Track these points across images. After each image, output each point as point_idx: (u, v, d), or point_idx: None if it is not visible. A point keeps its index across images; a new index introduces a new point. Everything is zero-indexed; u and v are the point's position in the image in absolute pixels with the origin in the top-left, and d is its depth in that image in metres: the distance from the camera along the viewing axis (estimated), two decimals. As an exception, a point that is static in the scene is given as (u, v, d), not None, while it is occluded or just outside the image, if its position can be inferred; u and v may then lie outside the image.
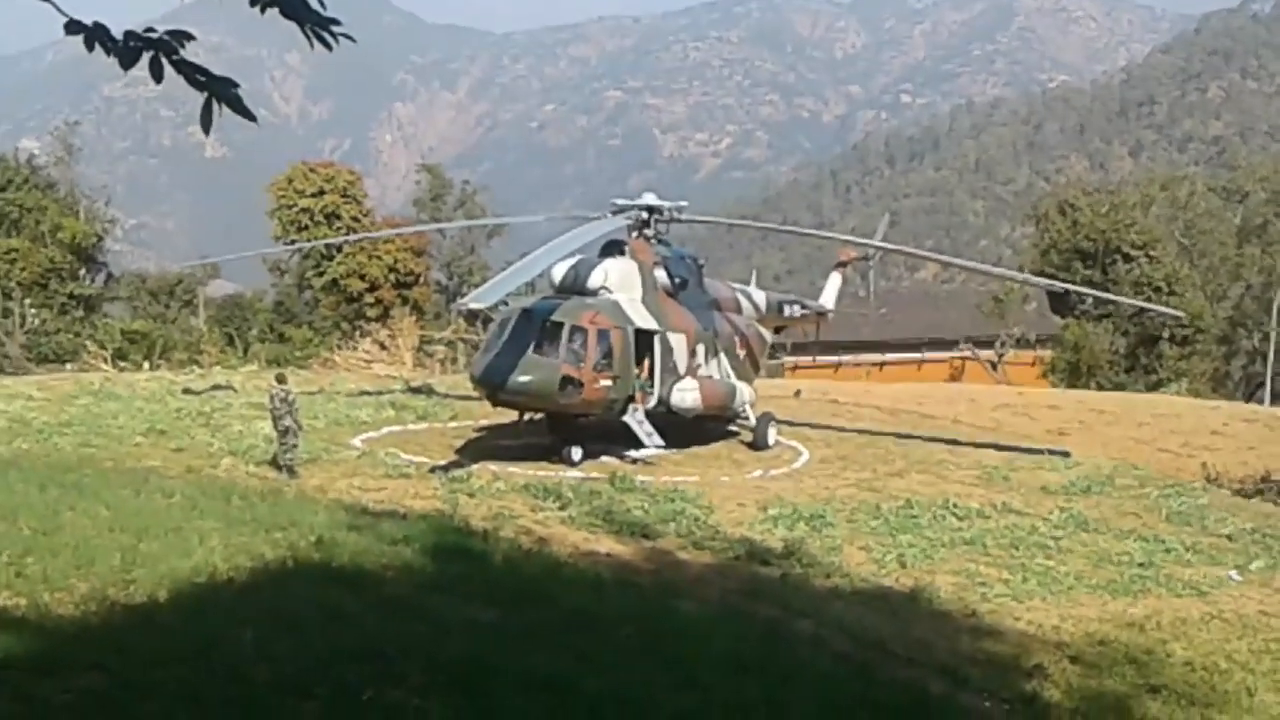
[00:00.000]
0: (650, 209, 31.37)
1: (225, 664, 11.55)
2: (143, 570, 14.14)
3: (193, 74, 6.75)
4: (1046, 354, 78.03)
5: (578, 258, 29.41)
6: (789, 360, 67.50)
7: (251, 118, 6.99)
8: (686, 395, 29.57)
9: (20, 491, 17.75)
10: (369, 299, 73.52)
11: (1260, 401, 75.44)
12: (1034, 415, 46.43)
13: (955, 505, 25.25)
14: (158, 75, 6.71)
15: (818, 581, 19.28)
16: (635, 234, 31.02)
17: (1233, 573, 21.88)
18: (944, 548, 22.10)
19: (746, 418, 31.99)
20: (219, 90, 6.78)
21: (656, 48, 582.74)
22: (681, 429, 30.04)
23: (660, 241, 31.71)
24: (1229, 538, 24.78)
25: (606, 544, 20.42)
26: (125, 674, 11.18)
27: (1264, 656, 16.95)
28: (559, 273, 29.21)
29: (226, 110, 6.81)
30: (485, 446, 28.29)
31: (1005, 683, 14.77)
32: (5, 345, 61.57)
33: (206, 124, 6.82)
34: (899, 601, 18.50)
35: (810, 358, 65.71)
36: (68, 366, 48.89)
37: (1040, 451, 33.20)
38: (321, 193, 74.20)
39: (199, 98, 6.78)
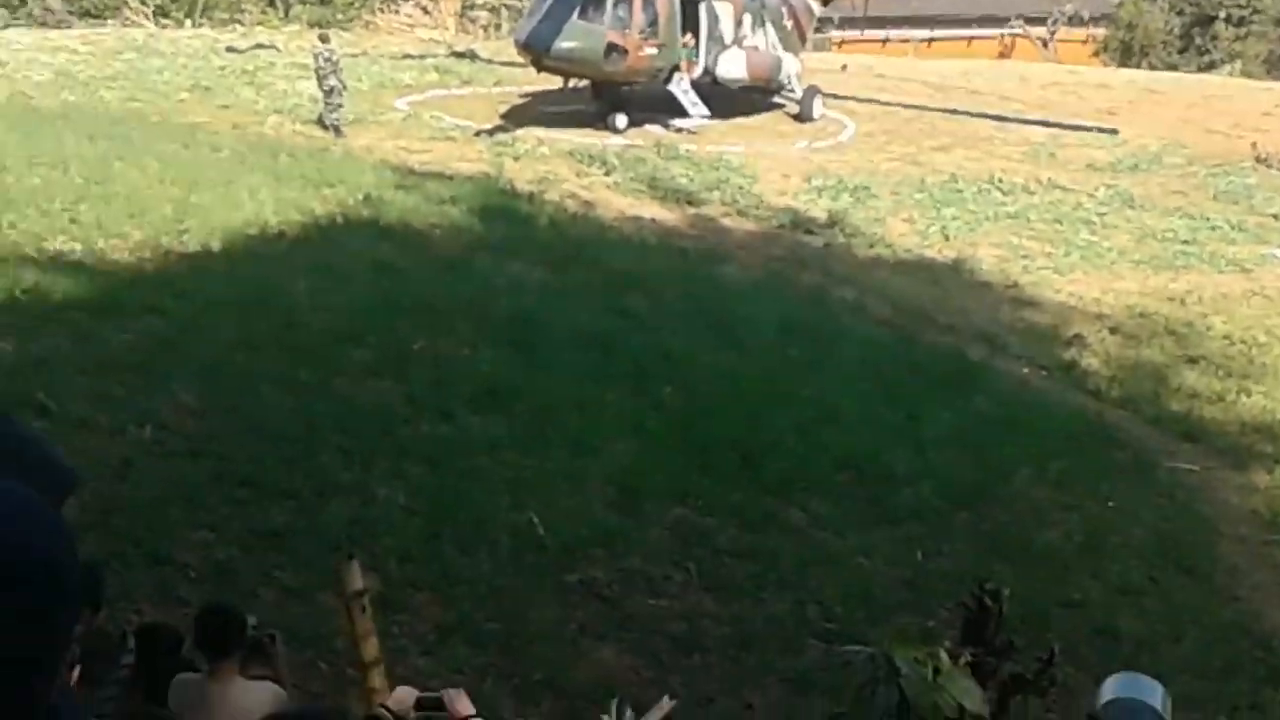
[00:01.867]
0: None
1: (279, 312, 11.83)
2: (194, 221, 14.34)
3: None
4: (1099, 32, 76.16)
5: (625, -77, 28.62)
6: (835, 35, 66.16)
7: None
8: (732, 65, 29.13)
9: (70, 143, 17.86)
10: (410, -40, 71.78)
11: (1315, 85, 73.81)
12: (1083, 94, 45.55)
13: (1000, 180, 25.10)
14: None
15: (860, 251, 19.41)
16: (684, -103, 30.05)
17: (1276, 250, 21.83)
18: (987, 221, 22.07)
19: (792, 90, 31.52)
20: None
21: None
22: (727, 99, 29.70)
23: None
24: (1275, 217, 24.60)
25: (651, 209, 20.51)
26: (182, 318, 11.48)
27: (1303, 332, 17.04)
28: (606, -62, 28.47)
29: None
30: (530, 112, 28.04)
31: (1043, 351, 15.00)
32: (45, -2, 60.68)
33: None
34: (941, 271, 18.64)
35: (858, 31, 64.30)
36: (109, 22, 48.14)
37: (1088, 129, 32.76)
38: None
39: None
